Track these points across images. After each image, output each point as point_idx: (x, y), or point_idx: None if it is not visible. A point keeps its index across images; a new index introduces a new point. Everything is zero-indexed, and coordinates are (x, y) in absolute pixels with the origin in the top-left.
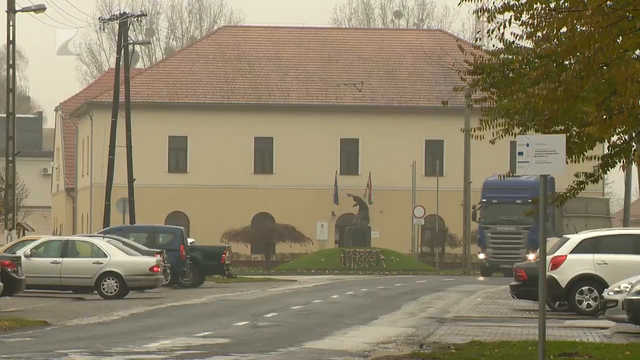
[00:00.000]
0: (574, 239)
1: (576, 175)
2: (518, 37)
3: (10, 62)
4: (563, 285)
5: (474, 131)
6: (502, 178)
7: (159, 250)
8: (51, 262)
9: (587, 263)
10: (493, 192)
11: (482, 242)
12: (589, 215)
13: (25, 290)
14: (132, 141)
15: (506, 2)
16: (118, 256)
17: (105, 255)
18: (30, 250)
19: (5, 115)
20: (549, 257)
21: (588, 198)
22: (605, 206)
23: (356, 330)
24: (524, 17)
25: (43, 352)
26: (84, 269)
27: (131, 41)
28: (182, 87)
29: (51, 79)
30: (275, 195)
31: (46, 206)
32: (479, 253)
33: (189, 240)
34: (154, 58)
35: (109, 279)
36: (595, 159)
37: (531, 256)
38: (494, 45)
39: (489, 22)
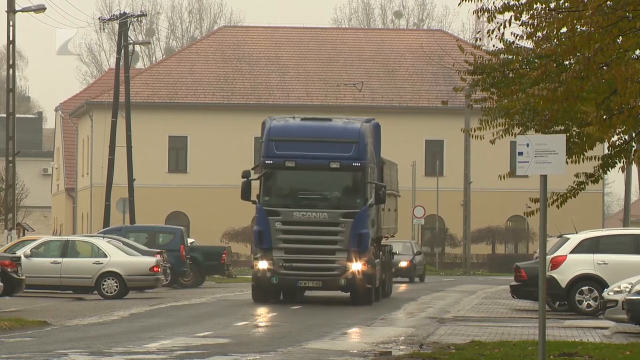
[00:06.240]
0: (574, 238)
1: (576, 175)
2: (518, 37)
3: (10, 62)
4: (563, 285)
5: (474, 131)
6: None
7: (159, 250)
8: (51, 262)
9: (587, 263)
10: (285, 147)
11: (266, 239)
12: (390, 191)
13: (25, 290)
14: (132, 141)
15: (506, 2)
16: (118, 256)
17: (105, 255)
18: (30, 250)
19: (5, 115)
20: (549, 257)
21: (390, 162)
22: (395, 173)
23: (356, 330)
24: (524, 17)
25: (43, 352)
26: (84, 269)
27: (131, 41)
28: (182, 87)
29: (51, 79)
30: None
31: (46, 206)
32: (256, 260)
33: (189, 240)
34: (154, 58)
35: (109, 279)
36: (595, 159)
37: (357, 266)
38: (494, 45)
39: (489, 22)
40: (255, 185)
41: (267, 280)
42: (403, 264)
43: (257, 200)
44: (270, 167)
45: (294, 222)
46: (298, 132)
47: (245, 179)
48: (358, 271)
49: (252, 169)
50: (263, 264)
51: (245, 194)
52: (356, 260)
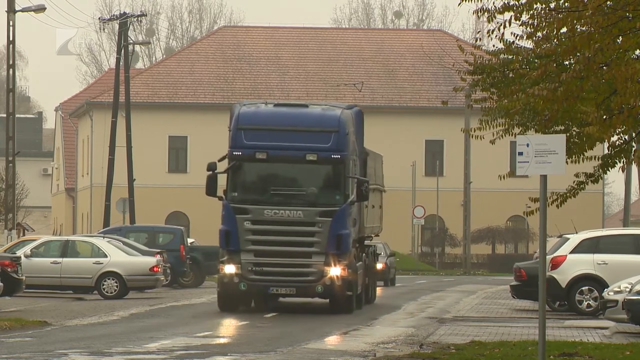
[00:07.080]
0: (574, 238)
1: (576, 175)
2: (518, 37)
3: (10, 62)
4: (563, 285)
5: (474, 131)
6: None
7: (159, 250)
8: (51, 262)
9: (587, 263)
10: (256, 137)
11: (233, 240)
12: (375, 186)
13: (25, 290)
14: (132, 141)
15: (506, 2)
16: (118, 256)
17: (105, 255)
18: (30, 250)
19: (5, 115)
20: (549, 257)
21: (375, 153)
22: (380, 166)
23: (356, 330)
24: (524, 17)
25: (43, 352)
26: (84, 269)
27: (131, 41)
28: (182, 87)
29: (51, 79)
30: None
31: (46, 206)
32: (222, 263)
33: (189, 240)
34: (154, 58)
35: (109, 279)
36: (595, 159)
37: (335, 271)
38: (494, 46)
39: (489, 22)
40: (223, 179)
41: (235, 287)
42: (379, 266)
43: (223, 197)
44: (239, 159)
45: (265, 222)
46: (270, 119)
47: (210, 172)
48: (337, 277)
49: (219, 161)
50: (230, 268)
51: (211, 189)
52: (335, 265)
